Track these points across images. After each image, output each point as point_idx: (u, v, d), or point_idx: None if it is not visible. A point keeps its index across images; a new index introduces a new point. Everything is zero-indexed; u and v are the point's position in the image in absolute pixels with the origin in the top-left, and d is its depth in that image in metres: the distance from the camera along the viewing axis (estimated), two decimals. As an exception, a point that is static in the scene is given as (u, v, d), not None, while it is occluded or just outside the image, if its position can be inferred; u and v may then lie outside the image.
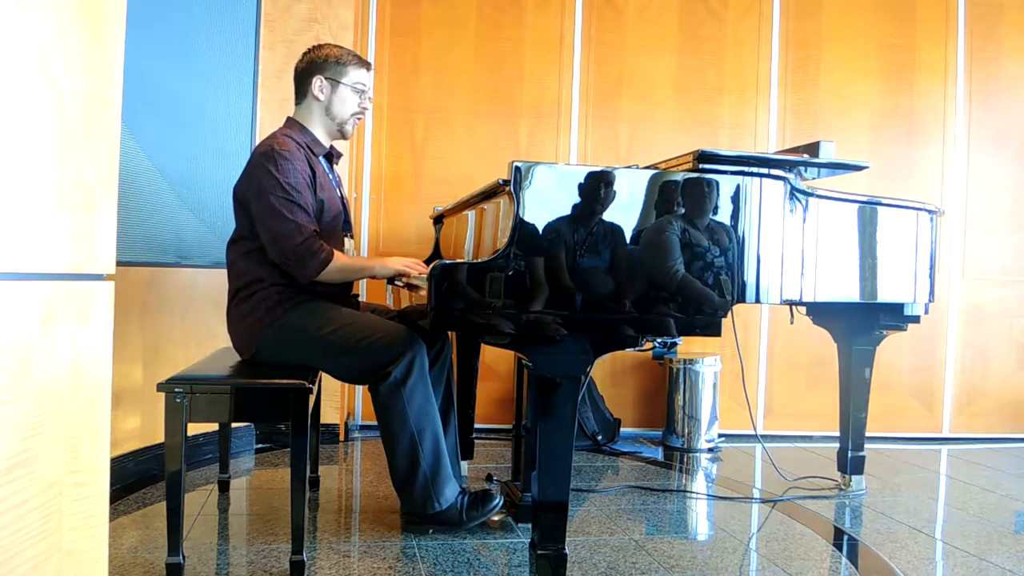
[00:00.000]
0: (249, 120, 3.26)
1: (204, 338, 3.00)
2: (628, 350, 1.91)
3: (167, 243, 2.87)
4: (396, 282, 2.60)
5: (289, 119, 2.36)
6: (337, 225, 2.33)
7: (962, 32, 4.01)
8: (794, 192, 2.10)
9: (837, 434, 2.93)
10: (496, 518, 2.32)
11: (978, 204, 4.03)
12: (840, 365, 2.87)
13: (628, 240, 1.80)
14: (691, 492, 2.89)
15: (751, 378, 3.91)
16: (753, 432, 3.64)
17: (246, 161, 2.27)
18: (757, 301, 1.94)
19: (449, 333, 2.53)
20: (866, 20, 3.98)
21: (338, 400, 3.43)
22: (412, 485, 2.16)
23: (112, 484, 2.25)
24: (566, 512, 1.84)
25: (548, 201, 1.76)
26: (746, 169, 1.91)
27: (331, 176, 2.38)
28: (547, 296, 1.76)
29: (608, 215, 1.79)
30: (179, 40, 2.90)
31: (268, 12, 3.34)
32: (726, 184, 1.88)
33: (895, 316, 2.65)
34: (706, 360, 3.56)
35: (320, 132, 2.35)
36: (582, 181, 1.78)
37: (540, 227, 1.76)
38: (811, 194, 2.22)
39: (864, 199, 2.43)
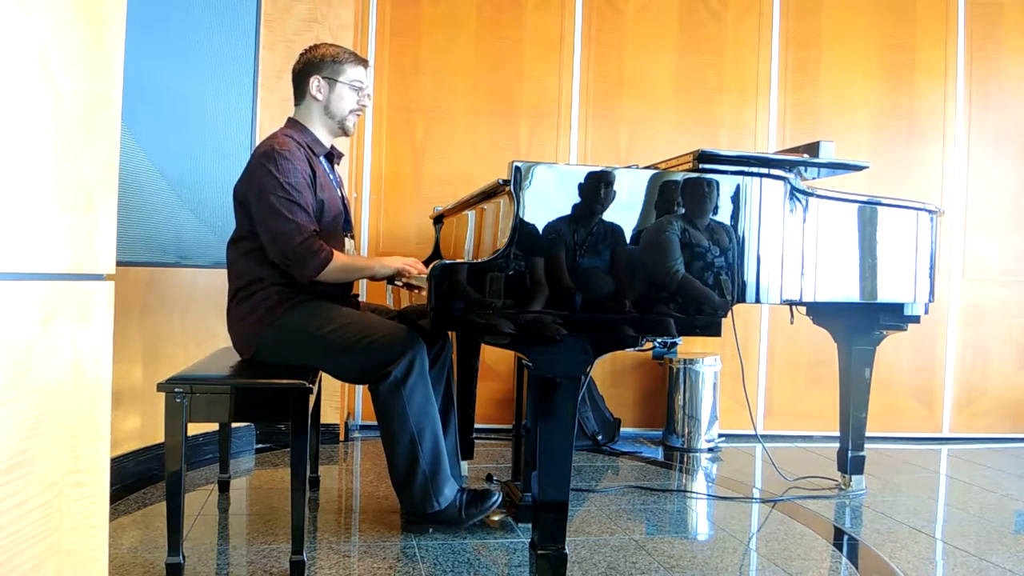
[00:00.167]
0: (249, 120, 3.26)
1: (204, 338, 3.00)
2: (628, 350, 1.92)
3: (167, 243, 2.87)
4: (396, 282, 2.60)
5: (290, 119, 2.36)
6: (337, 225, 2.33)
7: (962, 32, 4.01)
8: (794, 192, 2.10)
9: (837, 434, 2.93)
10: (496, 518, 2.32)
11: (978, 204, 4.03)
12: (840, 365, 2.87)
13: (628, 240, 1.80)
14: (691, 492, 2.89)
15: (751, 378, 3.91)
16: (753, 432, 3.64)
17: (246, 161, 2.27)
18: (757, 301, 1.94)
19: (449, 333, 2.53)
20: (866, 20, 3.98)
21: (338, 400, 3.43)
22: (412, 484, 2.16)
23: (112, 484, 2.25)
24: (566, 512, 1.84)
25: (548, 201, 1.76)
26: (746, 169, 1.91)
27: (332, 176, 2.38)
28: (547, 296, 1.76)
29: (608, 215, 1.79)
30: (179, 40, 2.90)
31: (268, 12, 3.34)
32: (726, 184, 1.88)
33: (895, 316, 2.65)
34: (706, 360, 3.56)
35: (321, 132, 2.35)
36: (582, 181, 1.78)
37: (540, 227, 1.76)
38: (811, 194, 2.22)
39: (864, 199, 2.43)
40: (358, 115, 2.38)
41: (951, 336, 4.03)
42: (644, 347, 2.18)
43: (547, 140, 3.83)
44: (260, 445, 3.31)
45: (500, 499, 2.24)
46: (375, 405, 2.16)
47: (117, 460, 2.61)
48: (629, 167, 1.85)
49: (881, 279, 2.45)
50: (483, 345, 2.82)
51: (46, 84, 0.98)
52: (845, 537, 2.43)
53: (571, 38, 3.83)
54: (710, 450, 3.55)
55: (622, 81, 3.87)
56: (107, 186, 1.11)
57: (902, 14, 4.00)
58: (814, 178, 2.50)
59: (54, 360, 1.02)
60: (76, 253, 1.05)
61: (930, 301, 2.61)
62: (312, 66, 2.31)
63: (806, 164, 2.20)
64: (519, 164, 1.75)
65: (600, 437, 3.58)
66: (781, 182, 1.99)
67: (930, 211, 2.59)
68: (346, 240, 2.42)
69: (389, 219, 3.77)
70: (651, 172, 1.85)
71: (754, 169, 1.93)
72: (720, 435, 3.67)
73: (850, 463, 2.88)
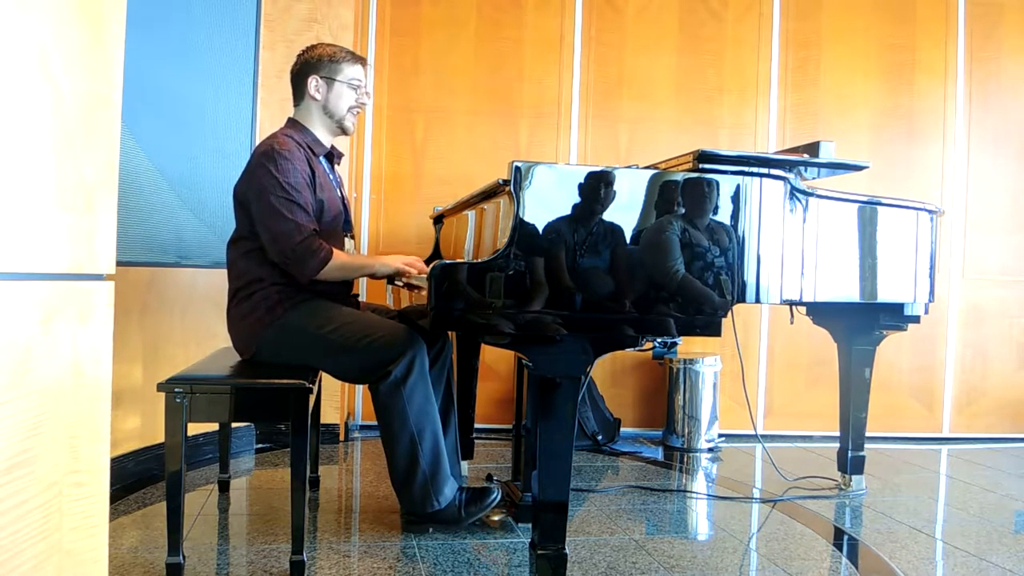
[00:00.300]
0: (249, 120, 3.26)
1: (204, 338, 3.00)
2: (628, 350, 1.92)
3: (167, 243, 2.87)
4: (396, 282, 2.60)
5: (290, 119, 2.36)
6: (337, 225, 2.33)
7: (962, 32, 4.01)
8: (794, 192, 2.10)
9: (837, 434, 2.93)
10: (496, 518, 2.32)
11: (978, 204, 4.03)
12: (840, 365, 2.87)
13: (628, 240, 1.80)
14: (691, 492, 2.89)
15: (751, 378, 3.91)
16: (753, 432, 3.64)
17: (246, 161, 2.27)
18: (757, 301, 1.94)
19: (449, 333, 2.53)
20: (866, 20, 3.98)
21: (338, 400, 3.43)
22: (411, 484, 2.16)
23: (112, 484, 2.25)
24: (566, 512, 1.84)
25: (548, 201, 1.76)
26: (746, 169, 1.91)
27: (332, 176, 2.38)
28: (547, 296, 1.76)
29: (608, 215, 1.79)
30: (179, 40, 2.90)
31: (268, 12, 3.34)
32: (726, 184, 1.88)
33: (895, 316, 2.65)
34: (706, 360, 3.56)
35: (321, 131, 2.35)
36: (582, 181, 1.78)
37: (540, 227, 1.76)
38: (811, 194, 2.22)
39: (864, 199, 2.43)
40: (357, 113, 2.38)
41: (951, 336, 4.03)
42: (644, 347, 2.18)
43: (547, 140, 3.83)
44: (260, 445, 3.31)
45: (500, 495, 2.24)
46: (375, 405, 2.16)
47: (117, 460, 2.61)
48: (629, 167, 1.85)
49: (881, 279, 2.45)
50: (483, 345, 2.82)
51: (46, 84, 0.98)
52: (845, 537, 2.43)
53: (571, 38, 3.83)
54: (710, 450, 3.55)
55: (622, 81, 3.87)
56: (107, 186, 1.11)
57: (902, 14, 4.00)
58: (814, 178, 2.50)
59: (54, 360, 1.02)
60: (76, 253, 1.05)
61: (930, 301, 2.61)
62: (309, 66, 2.31)
63: (806, 164, 2.20)
64: (519, 164, 1.75)
65: (600, 437, 3.58)
66: (781, 182, 1.99)
67: (930, 211, 2.59)
68: (346, 240, 2.42)
69: (389, 219, 3.77)
70: (651, 172, 1.85)
71: (754, 169, 1.93)
72: (720, 435, 3.67)
73: (850, 463, 2.88)
